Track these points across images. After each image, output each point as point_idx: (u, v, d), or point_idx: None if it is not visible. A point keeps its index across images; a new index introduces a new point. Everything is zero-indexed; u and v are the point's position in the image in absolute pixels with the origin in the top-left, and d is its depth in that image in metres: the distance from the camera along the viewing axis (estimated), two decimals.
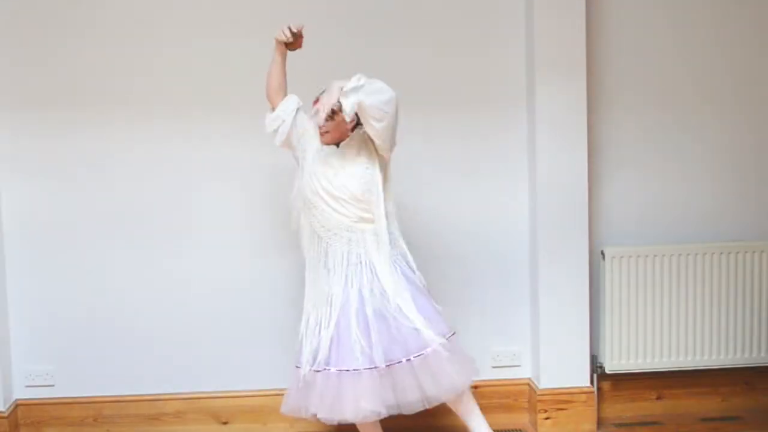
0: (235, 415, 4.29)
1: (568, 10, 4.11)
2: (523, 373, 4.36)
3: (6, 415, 4.10)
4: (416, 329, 3.55)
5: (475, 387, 4.31)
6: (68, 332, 4.22)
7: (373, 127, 3.50)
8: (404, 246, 3.72)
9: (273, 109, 3.70)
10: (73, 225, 4.19)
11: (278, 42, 3.64)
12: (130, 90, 4.16)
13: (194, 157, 4.20)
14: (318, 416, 3.59)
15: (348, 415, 3.54)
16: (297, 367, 3.66)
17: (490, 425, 4.30)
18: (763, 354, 4.34)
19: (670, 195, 4.38)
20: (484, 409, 4.32)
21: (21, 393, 4.23)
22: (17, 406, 4.21)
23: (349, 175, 3.60)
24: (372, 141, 3.60)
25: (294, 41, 3.63)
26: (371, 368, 3.53)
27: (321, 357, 3.56)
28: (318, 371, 3.56)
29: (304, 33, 3.64)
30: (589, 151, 4.20)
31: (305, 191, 3.65)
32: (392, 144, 3.62)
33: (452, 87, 4.24)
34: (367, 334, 3.55)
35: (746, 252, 4.31)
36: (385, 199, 3.65)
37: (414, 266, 3.73)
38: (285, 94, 3.70)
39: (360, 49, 4.08)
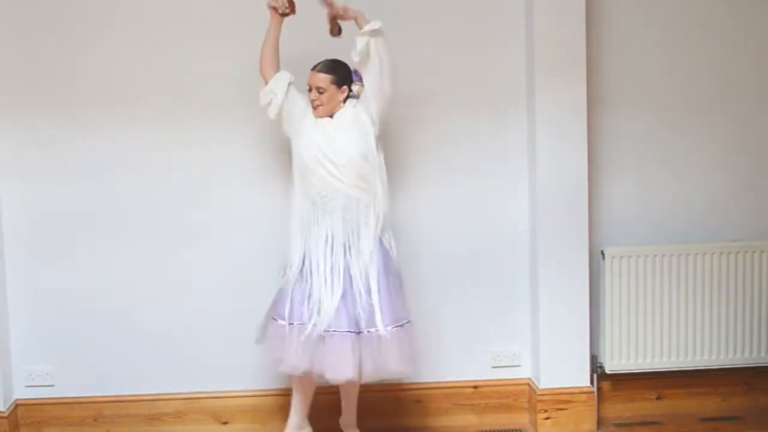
0: (235, 415, 4.29)
1: (568, 10, 4.11)
2: (523, 373, 4.36)
3: (6, 415, 4.10)
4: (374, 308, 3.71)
5: (475, 387, 4.33)
6: (68, 332, 4.21)
7: (365, 68, 3.69)
8: (389, 229, 3.83)
9: (266, 83, 3.82)
10: (73, 226, 4.18)
11: (272, 12, 3.79)
12: (130, 91, 4.15)
13: (195, 157, 4.19)
14: (305, 371, 3.71)
15: (341, 375, 3.67)
16: (276, 320, 3.77)
17: (490, 425, 4.31)
18: (763, 354, 4.34)
19: (670, 195, 4.38)
20: (484, 409, 4.34)
21: (21, 393, 4.22)
22: (17, 406, 4.21)
23: (347, 141, 3.73)
24: (365, 115, 3.74)
25: (288, 8, 3.80)
26: (357, 332, 3.68)
27: (328, 319, 3.67)
28: (327, 331, 3.67)
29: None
30: (589, 151, 4.20)
31: (304, 158, 3.75)
32: (384, 99, 3.74)
33: (452, 87, 4.24)
34: (352, 299, 3.70)
35: (746, 252, 4.31)
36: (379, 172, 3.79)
37: (393, 247, 3.83)
38: (277, 69, 3.82)
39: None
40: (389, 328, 3.70)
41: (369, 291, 3.71)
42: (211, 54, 4.16)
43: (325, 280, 3.71)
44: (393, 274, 3.80)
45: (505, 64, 4.26)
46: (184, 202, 4.21)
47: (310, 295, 3.72)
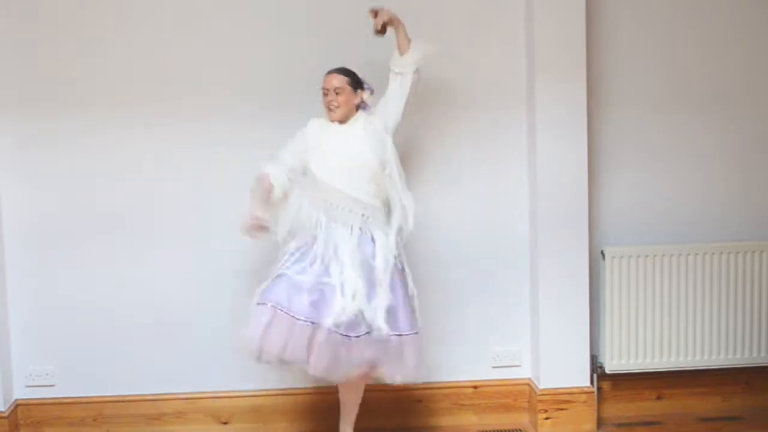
0: (235, 415, 4.29)
1: (568, 10, 4.11)
2: (523, 373, 4.36)
3: (6, 415, 4.10)
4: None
5: (475, 387, 4.33)
6: (68, 332, 4.21)
7: (399, 79, 3.79)
8: (402, 246, 3.78)
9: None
10: (73, 225, 4.18)
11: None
12: (129, 92, 4.15)
13: (196, 159, 4.19)
14: (304, 369, 3.63)
15: (337, 376, 3.65)
16: (269, 305, 3.63)
17: (490, 425, 4.31)
18: (763, 354, 4.34)
19: (670, 195, 4.38)
20: (484, 409, 4.35)
21: (21, 393, 4.23)
22: (17, 406, 4.21)
23: (362, 144, 3.73)
24: (380, 123, 3.78)
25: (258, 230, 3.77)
26: (359, 335, 3.60)
27: (345, 319, 3.59)
28: (335, 332, 3.59)
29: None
30: (589, 151, 4.20)
31: (316, 168, 3.72)
32: (399, 112, 3.81)
33: (452, 87, 4.24)
34: (365, 300, 3.63)
35: (746, 252, 4.31)
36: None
37: (404, 258, 3.79)
38: (285, 189, 3.79)
39: (360, 50, 4.06)
40: (405, 335, 3.66)
41: (385, 294, 3.64)
42: (211, 56, 4.16)
43: (349, 275, 3.63)
44: (402, 284, 3.74)
45: (505, 64, 4.26)
46: (185, 202, 4.21)
47: (322, 286, 3.64)
